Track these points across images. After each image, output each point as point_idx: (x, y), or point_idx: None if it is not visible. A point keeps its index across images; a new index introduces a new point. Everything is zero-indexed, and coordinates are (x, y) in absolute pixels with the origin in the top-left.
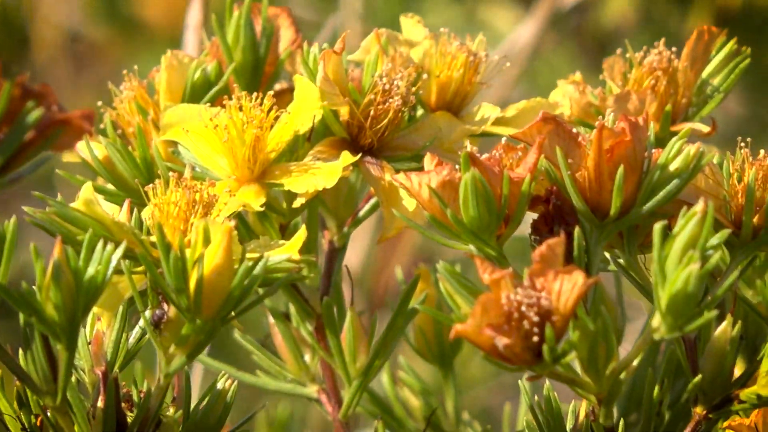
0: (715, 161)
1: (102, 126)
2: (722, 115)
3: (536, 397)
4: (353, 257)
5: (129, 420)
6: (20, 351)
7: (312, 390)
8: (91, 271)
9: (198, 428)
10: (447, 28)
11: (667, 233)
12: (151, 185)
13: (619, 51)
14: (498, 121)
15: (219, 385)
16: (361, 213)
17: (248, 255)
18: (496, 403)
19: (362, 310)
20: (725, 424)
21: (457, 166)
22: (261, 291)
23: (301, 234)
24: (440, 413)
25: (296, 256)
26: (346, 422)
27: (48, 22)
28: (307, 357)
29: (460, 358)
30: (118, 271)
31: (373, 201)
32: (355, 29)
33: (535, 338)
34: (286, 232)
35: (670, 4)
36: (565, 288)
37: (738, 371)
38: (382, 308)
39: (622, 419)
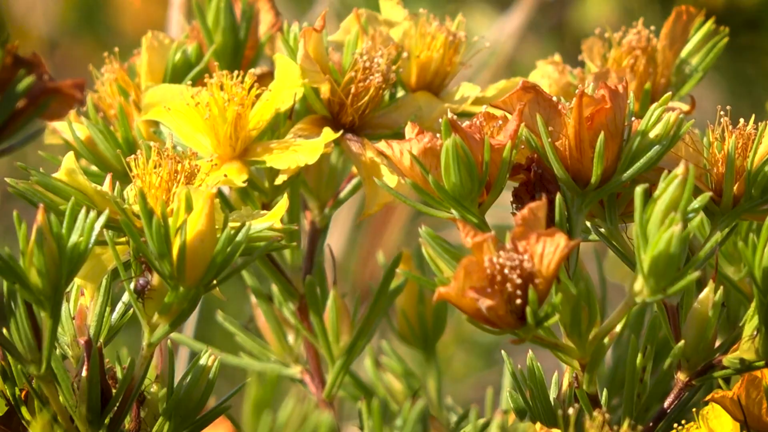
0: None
1: (84, 109)
2: (707, 113)
3: (519, 366)
4: (337, 239)
5: (113, 392)
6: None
7: (295, 370)
8: (74, 238)
9: (181, 405)
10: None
11: (648, 198)
12: (132, 156)
13: (597, 31)
14: (478, 101)
15: (202, 362)
16: (343, 193)
17: (230, 223)
18: (478, 397)
19: (345, 293)
20: (708, 397)
21: (438, 135)
22: (242, 261)
23: (283, 203)
24: (423, 396)
25: (278, 225)
26: (330, 402)
27: (26, 32)
28: (291, 337)
29: (444, 355)
30: (101, 241)
31: (354, 181)
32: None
33: (519, 301)
34: (268, 208)
35: (652, 3)
36: (548, 251)
37: (720, 340)
38: (369, 294)
39: (605, 390)
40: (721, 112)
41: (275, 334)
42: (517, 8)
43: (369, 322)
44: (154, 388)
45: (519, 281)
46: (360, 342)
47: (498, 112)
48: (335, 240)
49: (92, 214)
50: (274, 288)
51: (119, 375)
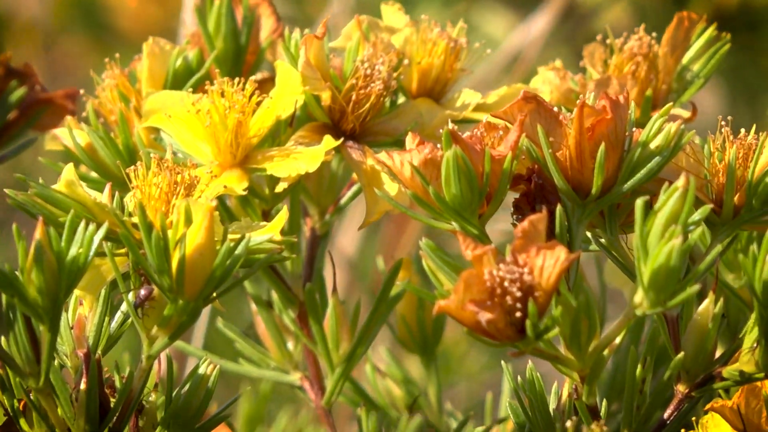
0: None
1: (84, 114)
2: (715, 114)
3: (519, 378)
4: (348, 245)
5: (112, 403)
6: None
7: (295, 377)
8: (73, 251)
9: (180, 414)
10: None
11: (648, 210)
12: (132, 167)
13: (599, 37)
14: (479, 107)
15: (201, 370)
16: (344, 200)
17: (230, 236)
18: (478, 400)
19: (357, 299)
20: (708, 406)
21: (438, 145)
22: (242, 273)
23: (283, 214)
24: (423, 402)
25: (278, 237)
26: (330, 409)
27: (23, 29)
28: (290, 344)
29: (457, 353)
30: (100, 253)
31: (355, 188)
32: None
33: (518, 314)
34: (268, 218)
35: (665, 8)
36: (548, 263)
37: (720, 350)
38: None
39: (604, 398)
40: (722, 122)
41: (275, 341)
42: (539, 13)
43: (369, 329)
44: (152, 397)
45: (519, 294)
46: (359, 349)
47: (499, 122)
48: (345, 245)
49: (92, 227)
50: (274, 295)
51: (118, 384)
